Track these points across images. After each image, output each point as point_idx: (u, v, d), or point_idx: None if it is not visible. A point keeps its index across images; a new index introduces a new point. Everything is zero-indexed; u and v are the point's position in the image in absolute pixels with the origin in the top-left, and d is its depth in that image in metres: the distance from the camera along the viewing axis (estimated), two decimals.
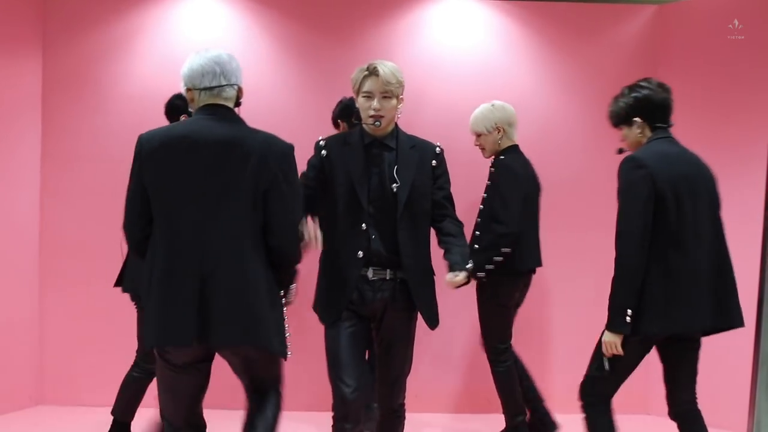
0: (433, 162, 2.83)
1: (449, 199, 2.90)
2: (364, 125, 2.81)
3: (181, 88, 2.51)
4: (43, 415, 4.52)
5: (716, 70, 4.58)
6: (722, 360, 4.38)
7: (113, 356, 4.66)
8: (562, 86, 4.93)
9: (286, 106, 4.79)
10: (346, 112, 4.09)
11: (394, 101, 2.76)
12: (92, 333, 4.71)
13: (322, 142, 2.86)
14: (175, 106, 3.59)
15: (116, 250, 3.38)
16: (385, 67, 2.74)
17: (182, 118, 3.50)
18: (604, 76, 4.84)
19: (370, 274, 2.75)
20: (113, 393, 4.18)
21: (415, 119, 4.75)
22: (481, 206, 3.87)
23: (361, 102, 2.78)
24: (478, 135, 3.93)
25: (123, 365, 4.63)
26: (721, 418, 4.16)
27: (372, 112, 2.74)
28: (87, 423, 4.33)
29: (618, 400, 4.97)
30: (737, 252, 4.29)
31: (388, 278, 2.76)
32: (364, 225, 2.73)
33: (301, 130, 4.91)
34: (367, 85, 2.75)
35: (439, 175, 2.86)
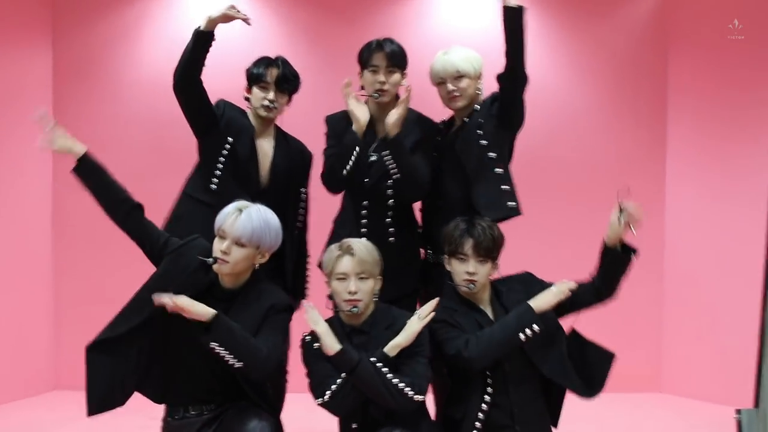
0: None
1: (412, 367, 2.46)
2: (340, 313, 2.52)
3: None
4: (60, 400, 4.57)
5: (727, 48, 4.54)
6: (729, 334, 4.39)
7: None
8: (572, 67, 4.89)
9: None
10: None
11: (371, 282, 2.47)
12: (108, 317, 4.73)
13: (308, 338, 2.49)
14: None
15: None
16: (360, 245, 2.50)
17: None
18: (615, 56, 4.81)
19: None
20: None
21: (424, 102, 4.73)
22: None
23: (335, 286, 2.48)
24: (461, 77, 3.08)
25: None
26: (727, 392, 4.17)
27: (347, 296, 2.43)
28: None
29: (630, 378, 4.96)
30: (745, 223, 4.31)
31: None
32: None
33: (311, 112, 4.92)
34: (341, 267, 2.45)
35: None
